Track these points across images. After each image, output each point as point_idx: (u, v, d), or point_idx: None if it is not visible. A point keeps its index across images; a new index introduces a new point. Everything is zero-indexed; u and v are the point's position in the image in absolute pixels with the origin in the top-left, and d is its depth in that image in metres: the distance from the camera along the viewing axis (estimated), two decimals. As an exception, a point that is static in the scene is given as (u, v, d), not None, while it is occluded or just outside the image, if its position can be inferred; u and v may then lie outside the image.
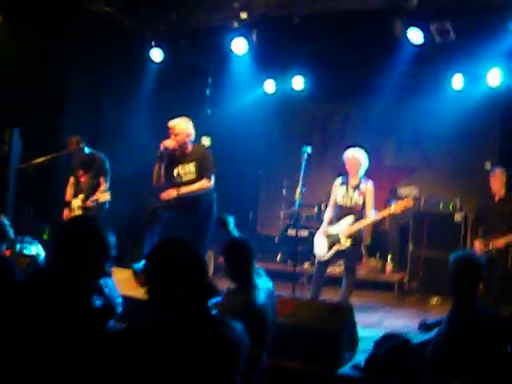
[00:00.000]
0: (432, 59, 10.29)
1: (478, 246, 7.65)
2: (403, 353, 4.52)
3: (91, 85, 10.12)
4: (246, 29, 9.41)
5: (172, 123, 6.95)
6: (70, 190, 8.46)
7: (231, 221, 6.87)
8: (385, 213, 7.45)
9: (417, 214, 9.86)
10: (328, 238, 7.36)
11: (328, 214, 7.61)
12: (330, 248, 7.31)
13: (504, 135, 11.21)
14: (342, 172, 7.75)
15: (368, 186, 7.37)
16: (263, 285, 4.47)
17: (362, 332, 5.61)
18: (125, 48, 10.10)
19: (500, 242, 7.58)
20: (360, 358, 4.93)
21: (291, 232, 10.80)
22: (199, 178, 6.93)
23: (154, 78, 10.64)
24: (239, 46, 9.56)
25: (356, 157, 7.43)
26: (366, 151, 7.59)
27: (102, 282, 4.16)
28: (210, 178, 6.90)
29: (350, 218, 7.29)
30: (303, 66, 11.32)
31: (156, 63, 10.38)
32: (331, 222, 7.48)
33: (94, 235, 3.12)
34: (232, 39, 9.52)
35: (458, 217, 9.44)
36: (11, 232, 5.79)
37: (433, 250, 9.39)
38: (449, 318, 4.32)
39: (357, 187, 7.37)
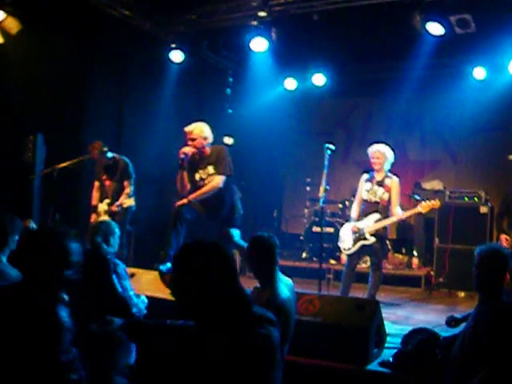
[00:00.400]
0: (453, 51, 10.24)
1: (503, 240, 7.54)
2: (432, 348, 4.50)
3: (112, 88, 10.18)
4: (265, 27, 9.40)
5: (188, 129, 6.96)
6: (95, 194, 8.54)
7: (236, 234, 6.89)
8: (411, 212, 7.42)
9: (442, 208, 9.78)
10: (354, 233, 7.34)
11: (355, 210, 7.58)
12: (356, 242, 7.30)
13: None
14: (366, 168, 7.72)
15: (393, 182, 7.33)
16: (286, 280, 4.49)
17: (389, 328, 5.60)
18: (145, 51, 10.17)
19: None
20: (388, 353, 4.91)
21: (316, 229, 10.78)
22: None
23: (175, 80, 10.67)
24: (259, 44, 9.55)
25: (381, 152, 7.38)
26: (390, 147, 7.53)
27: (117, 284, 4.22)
28: (220, 176, 6.89)
29: (376, 215, 7.27)
30: (323, 61, 11.31)
31: (176, 64, 10.42)
32: (358, 218, 7.45)
33: (41, 248, 3.17)
34: (251, 38, 9.52)
35: (483, 209, 9.36)
36: None
37: (459, 244, 9.31)
38: (476, 313, 4.28)
39: (381, 183, 7.34)
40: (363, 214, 7.40)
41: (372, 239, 7.17)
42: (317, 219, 10.85)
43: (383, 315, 5.29)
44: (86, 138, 9.29)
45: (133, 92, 10.36)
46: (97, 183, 8.58)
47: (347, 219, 7.84)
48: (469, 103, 10.98)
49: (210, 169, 6.96)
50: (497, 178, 10.37)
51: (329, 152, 7.12)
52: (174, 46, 10.23)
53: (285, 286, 4.40)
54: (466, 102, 11.02)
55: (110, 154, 8.36)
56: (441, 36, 8.69)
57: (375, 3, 8.66)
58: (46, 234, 3.32)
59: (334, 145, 7.21)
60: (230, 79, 12.02)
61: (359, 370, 4.65)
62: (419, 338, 4.67)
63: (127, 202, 8.16)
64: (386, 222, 7.24)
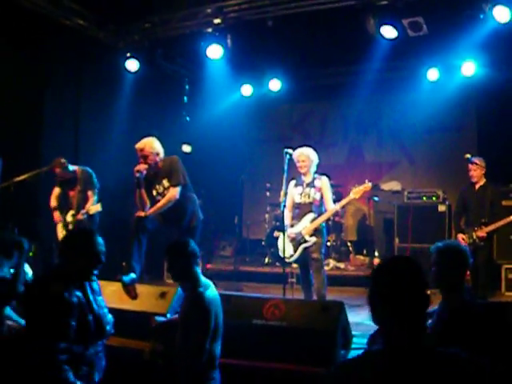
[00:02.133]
0: (407, 53, 10.38)
1: (460, 239, 7.72)
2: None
3: (69, 99, 10.07)
4: (220, 34, 9.42)
5: (139, 146, 6.91)
6: (53, 199, 8.37)
7: None
8: (345, 201, 7.41)
9: (401, 208, 9.91)
10: (292, 240, 7.28)
11: (287, 216, 7.48)
12: (297, 248, 7.23)
13: (480, 125, 11.33)
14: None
15: (323, 181, 7.33)
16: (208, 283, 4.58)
17: (355, 329, 5.63)
18: (100, 60, 10.08)
19: (482, 232, 7.69)
20: (355, 355, 4.93)
21: (277, 234, 10.79)
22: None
23: (131, 89, 10.60)
24: (214, 51, 9.57)
25: (305, 154, 7.34)
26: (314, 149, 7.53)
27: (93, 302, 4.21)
28: (175, 187, 6.87)
29: (310, 215, 7.22)
30: (279, 67, 11.39)
31: (132, 73, 10.36)
32: (293, 223, 7.39)
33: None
34: (207, 45, 9.53)
35: (441, 208, 9.50)
36: None
37: (419, 243, 9.41)
38: (439, 311, 4.33)
39: (312, 184, 7.32)
40: (298, 218, 7.34)
41: (312, 239, 7.12)
42: (278, 224, 10.88)
43: (348, 317, 5.32)
44: (43, 150, 9.20)
45: (89, 102, 10.26)
46: (57, 189, 8.41)
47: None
48: (423, 104, 11.16)
49: (165, 182, 6.92)
50: (453, 176, 10.51)
51: (288, 157, 7.14)
52: (129, 55, 10.17)
53: (211, 286, 4.49)
54: (421, 103, 11.19)
55: (70, 168, 8.25)
56: (394, 39, 8.81)
57: (329, 8, 8.75)
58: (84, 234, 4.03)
59: (292, 149, 7.24)
60: (187, 87, 12.00)
61: (327, 372, 4.66)
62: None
63: (93, 208, 8.02)
64: (323, 219, 7.20)
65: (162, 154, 6.99)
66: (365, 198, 11.36)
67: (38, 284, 3.77)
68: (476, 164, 7.97)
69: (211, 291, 4.49)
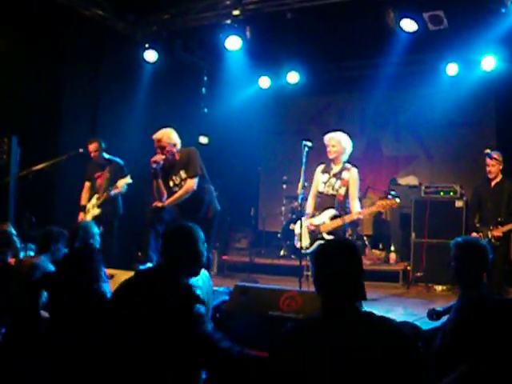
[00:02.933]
0: (426, 47, 10.33)
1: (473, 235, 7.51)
2: (413, 341, 4.53)
3: (87, 90, 10.11)
4: (239, 26, 9.42)
5: (156, 137, 6.95)
6: (85, 195, 8.45)
7: None
8: (368, 211, 7.19)
9: (418, 203, 9.86)
10: (311, 232, 7.05)
11: (310, 204, 7.26)
12: (313, 242, 7.00)
13: (499, 120, 11.26)
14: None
15: (351, 174, 7.01)
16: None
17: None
18: (119, 51, 10.13)
19: (498, 232, 7.55)
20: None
21: (293, 226, 10.81)
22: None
23: (149, 80, 10.63)
24: (233, 43, 9.57)
25: (335, 139, 7.11)
26: (349, 135, 7.30)
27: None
28: (193, 179, 6.88)
29: (331, 211, 6.95)
30: (297, 59, 11.35)
31: (151, 64, 10.38)
32: (314, 213, 7.14)
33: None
34: (226, 37, 9.53)
35: (459, 203, 9.43)
36: (17, 241, 5.82)
37: (435, 238, 9.37)
38: (457, 306, 4.33)
39: (339, 175, 7.06)
40: (319, 208, 7.10)
41: (329, 238, 6.79)
42: (294, 216, 10.87)
43: (364, 310, 5.30)
44: (61, 140, 9.25)
45: (107, 93, 10.30)
46: (87, 184, 8.51)
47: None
48: (442, 99, 11.10)
49: (182, 173, 6.96)
50: (471, 172, 10.46)
51: (306, 149, 7.04)
52: (147, 46, 10.20)
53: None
54: (439, 97, 11.15)
55: (105, 155, 8.36)
56: (414, 32, 8.77)
57: (349, 0, 8.72)
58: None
59: (311, 142, 7.17)
60: (205, 78, 12.00)
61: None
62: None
63: (122, 181, 7.98)
64: (343, 221, 6.87)
65: (179, 145, 7.03)
66: (382, 192, 11.34)
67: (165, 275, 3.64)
68: (495, 159, 7.80)
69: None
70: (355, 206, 6.92)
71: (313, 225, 7.03)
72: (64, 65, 9.64)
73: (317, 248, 3.30)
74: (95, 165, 8.47)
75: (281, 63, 11.66)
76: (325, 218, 6.97)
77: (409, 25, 8.60)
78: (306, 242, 7.08)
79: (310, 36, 10.35)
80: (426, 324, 5.10)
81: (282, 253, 11.07)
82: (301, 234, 7.05)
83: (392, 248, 10.69)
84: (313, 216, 7.11)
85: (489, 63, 10.27)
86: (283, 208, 11.55)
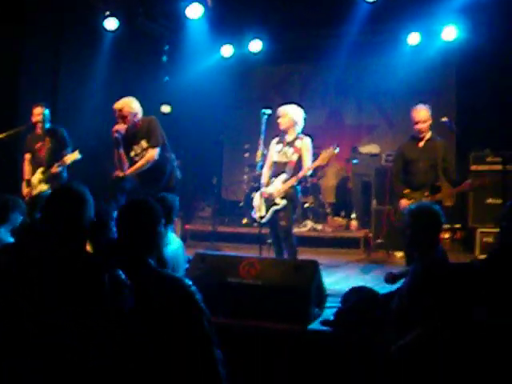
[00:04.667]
0: (388, 16, 10.34)
1: (403, 203, 6.87)
2: (371, 305, 4.62)
3: (47, 57, 9.95)
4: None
5: (117, 106, 6.92)
6: (27, 168, 8.11)
7: None
8: (314, 164, 7.04)
9: (379, 171, 9.99)
10: (265, 200, 7.07)
11: (265, 175, 7.27)
12: (268, 209, 7.00)
13: (460, 90, 11.38)
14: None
15: (304, 142, 7.02)
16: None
17: (329, 288, 5.71)
18: (80, 19, 9.96)
19: (434, 199, 6.61)
20: (329, 313, 5.02)
21: (254, 195, 10.87)
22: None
23: (110, 48, 10.49)
24: (194, 11, 9.51)
25: (283, 110, 7.14)
26: (302, 109, 7.32)
27: None
28: (154, 148, 6.87)
29: (283, 176, 6.98)
30: (260, 27, 11.29)
31: (111, 32, 10.26)
32: (268, 183, 7.15)
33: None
34: (187, 5, 9.46)
35: (418, 171, 9.53)
36: None
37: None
38: (412, 270, 4.43)
39: (292, 144, 7.07)
40: (274, 176, 7.13)
41: (283, 202, 6.90)
42: (256, 185, 10.91)
43: (323, 277, 5.40)
44: (20, 110, 9.10)
45: (68, 60, 10.15)
46: (28, 156, 8.15)
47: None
48: (403, 68, 11.14)
49: (144, 143, 6.94)
50: (433, 133, 10.59)
51: (265, 117, 7.08)
52: (108, 13, 10.07)
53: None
54: (401, 67, 11.17)
55: (47, 125, 8.12)
56: (375, 1, 8.81)
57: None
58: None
59: (271, 110, 7.20)
60: (166, 47, 11.88)
61: (301, 330, 4.75)
62: (358, 296, 4.79)
63: (69, 157, 7.65)
64: (293, 180, 6.91)
65: (140, 115, 7.01)
66: (344, 161, 11.44)
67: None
68: (423, 114, 6.95)
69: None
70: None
71: (266, 193, 7.05)
72: (24, 31, 9.47)
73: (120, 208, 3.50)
74: (35, 136, 8.10)
75: (243, 31, 11.57)
76: (278, 184, 7.00)
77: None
78: (262, 211, 7.12)
79: (273, 4, 10.33)
80: (385, 289, 5.22)
81: (244, 221, 11.10)
82: (258, 206, 7.12)
83: (353, 215, 10.80)
84: (267, 185, 7.13)
85: (450, 33, 10.33)
86: (245, 176, 11.57)
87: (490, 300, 3.83)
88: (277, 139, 7.28)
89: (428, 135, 7.03)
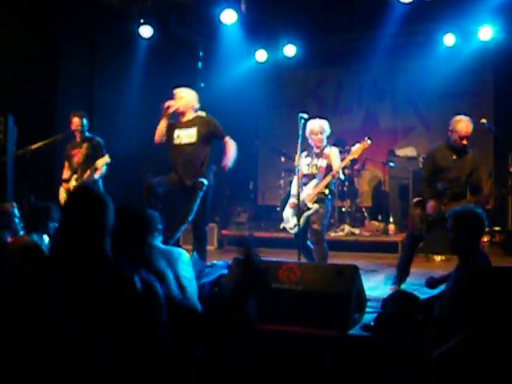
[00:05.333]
0: (423, 18, 10.28)
1: (432, 204, 6.61)
2: (412, 310, 4.58)
3: (83, 67, 10.09)
4: (234, -1, 9.38)
5: (177, 89, 7.10)
6: (65, 174, 8.20)
7: None
8: (344, 162, 7.04)
9: (416, 173, 9.88)
10: (294, 209, 7.05)
11: (294, 186, 7.26)
12: (299, 218, 6.93)
13: (497, 90, 11.25)
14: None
15: (332, 150, 7.10)
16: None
17: (369, 293, 5.67)
18: (114, 27, 10.07)
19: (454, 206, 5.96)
20: (369, 318, 4.99)
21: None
22: (199, 142, 6.96)
23: (144, 56, 10.61)
24: (228, 16, 9.53)
25: (324, 130, 7.19)
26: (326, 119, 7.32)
27: None
28: (227, 137, 7.06)
29: (314, 181, 7.02)
30: (293, 32, 11.28)
31: (146, 40, 10.35)
32: (298, 194, 7.01)
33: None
34: (221, 10, 9.48)
35: (456, 174, 9.42)
36: (17, 221, 5.83)
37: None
38: (454, 275, 4.37)
39: (320, 154, 7.13)
40: (304, 185, 7.15)
41: (315, 206, 6.91)
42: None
43: (363, 281, 5.36)
44: (58, 118, 9.22)
45: (103, 69, 10.28)
46: (67, 163, 8.23)
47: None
48: (439, 69, 11.06)
49: (193, 130, 6.96)
50: (469, 142, 10.47)
51: (303, 121, 7.08)
52: (142, 21, 10.15)
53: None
54: (437, 68, 11.10)
55: (86, 134, 8.18)
56: (410, 3, 8.74)
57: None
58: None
59: (307, 114, 7.20)
60: (201, 53, 11.96)
61: (341, 335, 4.72)
62: (399, 301, 4.75)
63: (100, 161, 7.73)
64: (325, 181, 6.91)
65: (195, 105, 7.14)
66: (380, 164, 11.36)
67: None
68: (462, 122, 6.72)
69: None
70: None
71: (294, 202, 7.05)
72: (60, 42, 9.61)
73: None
74: (74, 143, 8.16)
75: (277, 36, 11.59)
76: (308, 190, 7.02)
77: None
78: (290, 222, 7.16)
79: (306, 8, 10.31)
80: (425, 294, 5.17)
81: (281, 226, 11.06)
82: (287, 217, 7.18)
83: (391, 219, 10.73)
84: (298, 195, 7.11)
85: (486, 33, 10.24)
86: (282, 181, 11.56)
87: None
88: (305, 153, 7.30)
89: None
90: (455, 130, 6.69)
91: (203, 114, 7.14)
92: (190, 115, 7.05)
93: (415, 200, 6.92)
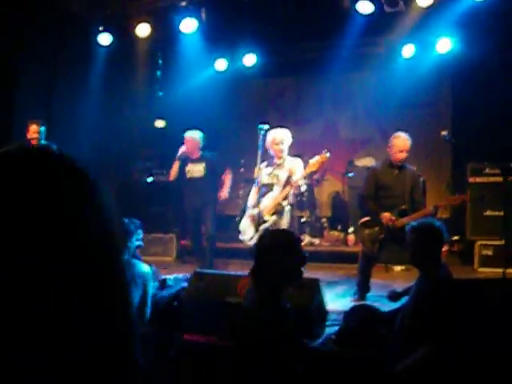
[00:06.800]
0: (381, 29, 10.34)
1: (387, 216, 6.74)
2: (373, 323, 4.55)
3: (41, 73, 9.92)
4: (194, 8, 9.32)
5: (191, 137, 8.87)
6: None
7: None
8: (304, 174, 7.02)
9: (375, 184, 9.90)
10: (253, 221, 7.07)
11: (252, 197, 7.32)
12: (257, 229, 6.87)
13: (455, 101, 11.35)
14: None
15: (295, 162, 7.12)
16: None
17: (330, 305, 5.63)
18: (74, 34, 9.95)
19: (404, 222, 6.47)
20: (330, 331, 4.95)
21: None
22: (208, 176, 8.65)
23: (104, 63, 10.48)
24: (188, 25, 9.47)
25: (284, 140, 7.16)
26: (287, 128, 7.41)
27: None
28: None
29: (272, 193, 7.02)
30: (254, 41, 11.24)
31: (105, 47, 10.23)
32: (256, 205, 7.11)
33: None
34: (181, 19, 9.42)
35: (416, 184, 9.47)
36: None
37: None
38: (415, 288, 4.37)
39: (282, 165, 7.13)
40: (262, 197, 7.14)
41: (272, 218, 6.90)
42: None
43: (322, 293, 5.32)
44: (14, 127, 9.04)
45: (62, 76, 10.14)
46: None
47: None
48: (398, 81, 11.10)
49: (201, 166, 8.74)
50: (427, 152, 10.56)
51: (262, 132, 7.05)
52: (101, 28, 10.04)
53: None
54: (396, 79, 11.14)
55: (43, 142, 8.06)
56: (370, 14, 8.78)
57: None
58: None
59: (267, 125, 7.15)
60: (160, 61, 11.85)
61: (303, 349, 4.66)
62: (361, 314, 4.72)
63: None
64: (283, 194, 6.92)
65: (200, 144, 8.95)
66: (340, 174, 11.38)
67: None
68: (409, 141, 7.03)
69: None
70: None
71: (252, 214, 7.08)
72: (18, 47, 9.43)
73: None
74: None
75: (237, 45, 11.53)
76: (266, 202, 7.02)
77: (365, 6, 8.60)
78: (250, 233, 7.13)
79: (267, 17, 10.30)
80: (386, 306, 5.15)
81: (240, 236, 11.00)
82: (244, 229, 7.21)
83: (350, 229, 10.72)
84: (256, 206, 7.07)
85: (444, 45, 10.32)
86: (241, 191, 11.48)
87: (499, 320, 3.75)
88: (265, 163, 7.28)
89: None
90: (392, 145, 6.88)
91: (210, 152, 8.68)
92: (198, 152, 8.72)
93: (362, 221, 6.97)
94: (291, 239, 3.65)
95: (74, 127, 9.86)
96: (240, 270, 7.54)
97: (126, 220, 4.88)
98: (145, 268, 4.77)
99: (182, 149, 8.82)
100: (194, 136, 8.97)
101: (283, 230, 4.89)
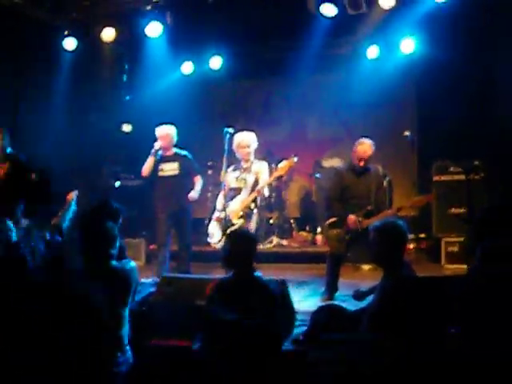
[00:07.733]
0: (346, 30, 10.43)
1: (353, 219, 6.90)
2: (340, 323, 4.60)
3: (5, 79, 9.82)
4: (159, 11, 9.32)
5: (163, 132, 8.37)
6: None
7: None
8: (272, 178, 7.26)
9: (342, 184, 9.97)
10: (220, 224, 7.19)
11: (220, 201, 7.43)
12: (224, 232, 6.96)
13: (420, 101, 11.49)
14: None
15: (261, 165, 7.29)
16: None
17: (298, 306, 5.67)
18: (39, 39, 9.87)
19: (370, 222, 6.36)
20: (298, 331, 4.98)
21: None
22: (182, 174, 8.18)
23: (69, 68, 10.41)
24: (153, 29, 9.46)
25: (251, 144, 7.32)
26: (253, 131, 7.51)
27: None
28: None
29: (240, 196, 7.15)
30: (220, 44, 11.27)
31: (70, 52, 10.17)
32: (224, 208, 7.21)
33: None
34: (146, 23, 9.41)
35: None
36: None
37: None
38: (380, 287, 4.42)
39: (249, 169, 7.27)
40: (230, 200, 7.25)
41: (240, 222, 7.02)
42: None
43: (291, 294, 5.35)
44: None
45: (27, 82, 10.04)
46: None
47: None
48: (364, 81, 11.19)
49: (175, 164, 8.23)
50: (393, 152, 10.65)
51: (228, 136, 7.11)
52: (66, 33, 9.98)
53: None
54: (362, 80, 11.23)
55: (8, 150, 7.82)
56: (333, 17, 8.86)
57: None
58: None
59: (233, 128, 7.19)
60: (126, 65, 11.82)
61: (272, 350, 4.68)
62: (327, 314, 4.76)
63: None
64: (250, 198, 7.06)
65: (174, 141, 8.51)
66: (307, 175, 11.44)
67: None
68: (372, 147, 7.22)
69: None
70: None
71: (219, 217, 7.22)
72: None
73: None
74: None
75: (203, 48, 11.54)
76: (234, 205, 7.12)
77: (328, 9, 8.68)
78: (217, 236, 7.29)
79: (232, 20, 10.32)
80: (353, 305, 5.21)
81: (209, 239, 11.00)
82: (212, 232, 7.36)
83: (319, 229, 10.78)
84: (223, 210, 7.15)
85: (408, 46, 10.42)
86: (209, 194, 11.48)
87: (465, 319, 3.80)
88: (233, 167, 7.40)
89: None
90: (356, 151, 7.00)
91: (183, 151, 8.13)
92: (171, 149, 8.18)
93: (329, 221, 7.04)
94: None
95: (40, 133, 9.79)
96: (209, 272, 7.59)
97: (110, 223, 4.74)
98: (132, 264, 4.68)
99: (158, 144, 8.26)
100: (169, 131, 8.46)
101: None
